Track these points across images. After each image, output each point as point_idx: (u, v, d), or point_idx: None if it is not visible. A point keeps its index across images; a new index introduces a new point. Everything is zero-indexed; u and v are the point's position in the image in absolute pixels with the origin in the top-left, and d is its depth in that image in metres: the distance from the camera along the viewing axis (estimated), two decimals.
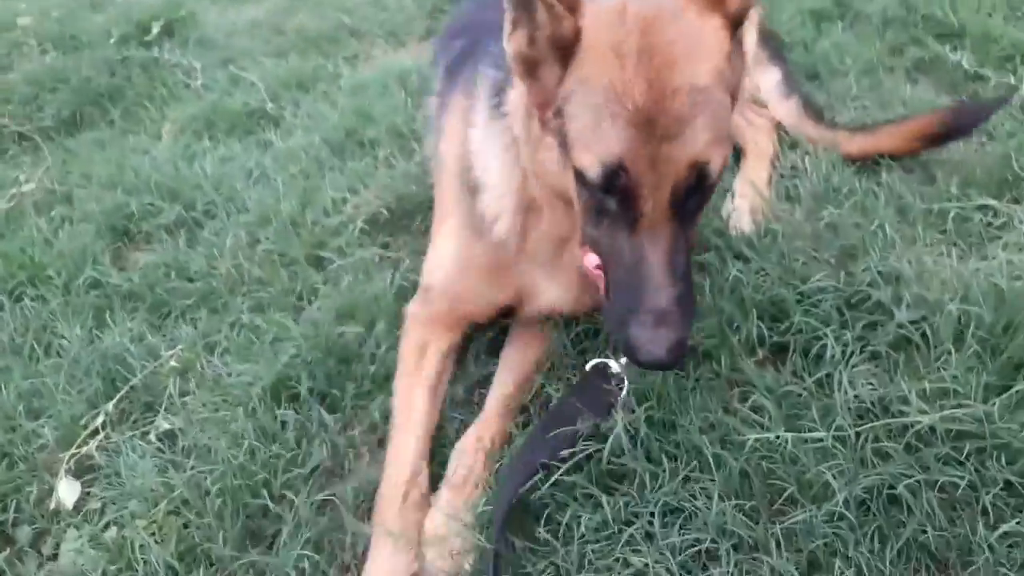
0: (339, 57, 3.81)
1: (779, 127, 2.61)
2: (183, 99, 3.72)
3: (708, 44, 1.40)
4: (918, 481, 1.57)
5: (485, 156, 1.82)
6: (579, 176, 1.43)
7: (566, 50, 1.43)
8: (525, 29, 1.47)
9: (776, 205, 2.34)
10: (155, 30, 4.18)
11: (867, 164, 2.41)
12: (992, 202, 2.17)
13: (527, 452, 1.72)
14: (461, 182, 1.89)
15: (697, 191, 1.41)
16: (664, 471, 1.71)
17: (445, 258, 2.00)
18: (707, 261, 2.15)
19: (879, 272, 1.95)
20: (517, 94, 1.65)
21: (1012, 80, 2.60)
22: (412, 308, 2.08)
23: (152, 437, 2.07)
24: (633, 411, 1.75)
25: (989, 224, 2.14)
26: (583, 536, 1.63)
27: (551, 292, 1.95)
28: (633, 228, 1.41)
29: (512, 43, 1.51)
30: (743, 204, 2.33)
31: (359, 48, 3.92)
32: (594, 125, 1.38)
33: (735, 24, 1.45)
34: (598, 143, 1.37)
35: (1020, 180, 2.22)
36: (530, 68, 1.51)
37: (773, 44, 2.76)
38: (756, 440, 1.67)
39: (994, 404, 1.63)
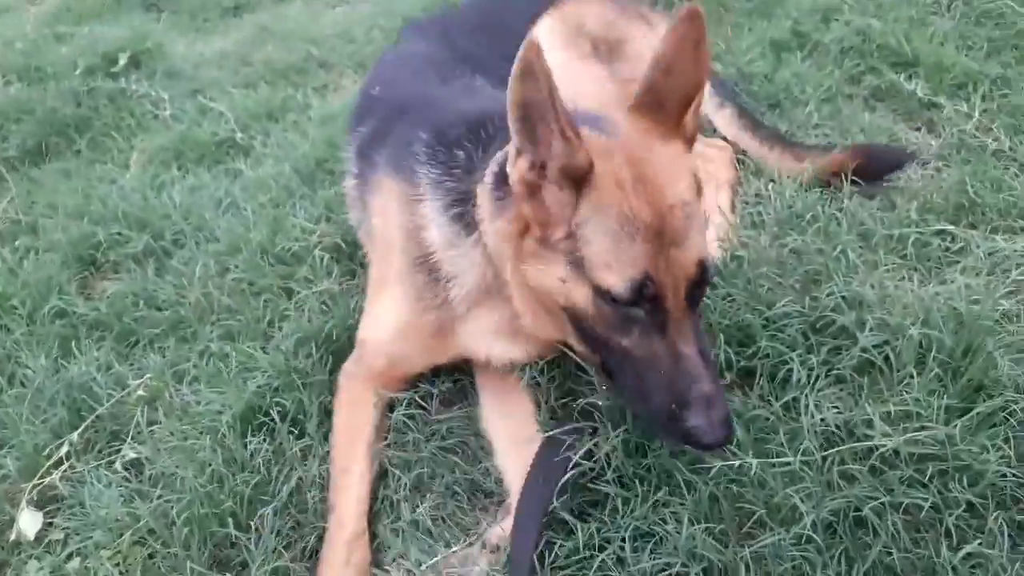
0: (308, 88, 3.81)
1: (740, 154, 2.67)
2: (151, 129, 3.70)
3: (680, 165, 1.63)
4: (883, 503, 1.60)
5: (450, 252, 1.90)
6: (601, 294, 1.55)
7: (579, 179, 1.55)
8: (530, 156, 1.57)
9: (741, 232, 2.38)
10: (122, 61, 4.15)
11: (829, 190, 2.46)
12: (950, 227, 2.23)
13: (530, 502, 1.74)
14: (409, 260, 1.96)
15: (703, 283, 1.59)
16: (636, 495, 1.73)
17: (385, 321, 2.04)
18: None
19: (843, 297, 1.99)
20: (504, 215, 1.72)
21: (964, 108, 2.67)
22: (347, 367, 2.11)
23: (118, 466, 2.05)
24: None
25: (947, 249, 2.19)
26: (555, 562, 1.64)
27: (501, 349, 2.00)
28: (663, 330, 1.55)
29: (516, 170, 1.60)
30: (709, 232, 2.36)
31: (328, 79, 3.93)
32: (614, 247, 1.53)
33: (690, 144, 1.69)
34: (622, 262, 1.52)
35: (975, 206, 2.28)
36: (532, 191, 1.60)
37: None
38: (725, 464, 1.69)
39: (955, 426, 1.66)
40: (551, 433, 1.87)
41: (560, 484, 1.73)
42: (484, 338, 1.99)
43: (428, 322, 1.97)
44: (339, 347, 2.21)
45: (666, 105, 1.63)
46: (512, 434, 1.99)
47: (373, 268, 2.19)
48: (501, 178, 1.72)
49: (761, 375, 1.91)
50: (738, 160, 2.67)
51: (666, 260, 1.52)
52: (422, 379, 2.16)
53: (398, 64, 2.66)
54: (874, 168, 2.45)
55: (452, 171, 1.91)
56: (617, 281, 1.52)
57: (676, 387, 1.53)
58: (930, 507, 1.59)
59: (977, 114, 2.63)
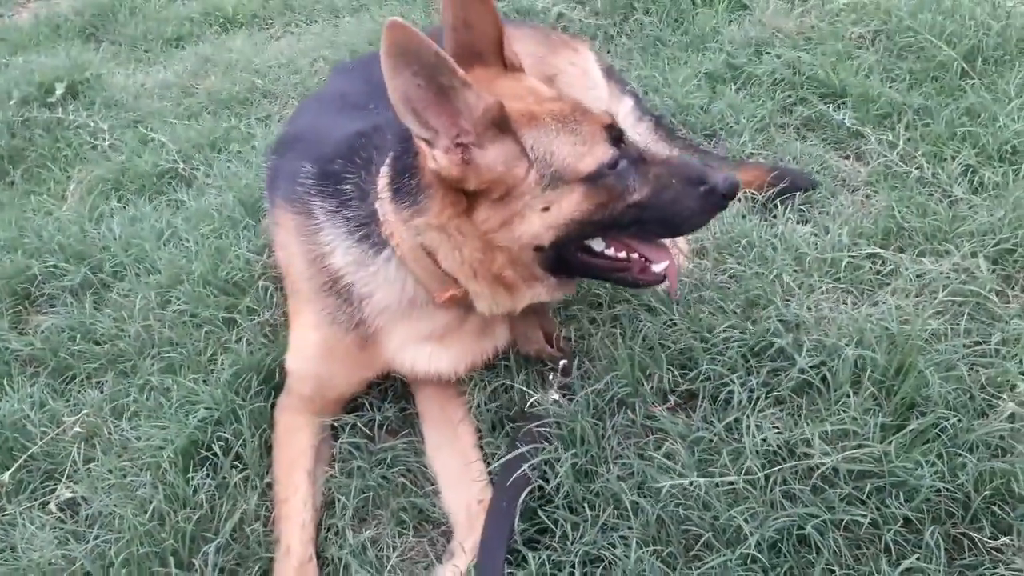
0: (252, 118, 3.78)
1: None
2: (89, 160, 3.62)
3: (528, 81, 1.91)
4: (824, 521, 1.64)
5: (361, 273, 1.94)
6: (593, 178, 1.71)
7: (500, 122, 1.65)
8: (443, 139, 1.64)
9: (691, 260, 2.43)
10: (59, 91, 4.07)
11: (765, 216, 2.54)
12: (880, 251, 2.31)
13: (495, 525, 1.77)
14: (317, 287, 1.99)
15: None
16: (585, 520, 1.74)
17: (306, 347, 2.07)
18: (619, 314, 2.22)
19: (781, 320, 2.05)
20: (428, 212, 1.77)
21: (889, 136, 2.79)
22: (280, 399, 2.14)
23: (52, 507, 2.00)
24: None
25: (878, 272, 2.27)
26: None
27: (426, 359, 2.03)
28: (646, 160, 1.81)
29: (438, 161, 1.65)
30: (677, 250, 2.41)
31: (272, 109, 3.90)
32: (573, 138, 1.72)
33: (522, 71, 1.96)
34: (587, 142, 1.73)
35: (903, 230, 2.37)
36: (465, 168, 1.67)
37: (618, 77, 3.06)
38: (671, 486, 1.72)
39: (891, 443, 1.72)
40: (506, 458, 1.89)
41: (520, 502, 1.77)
42: (408, 349, 2.02)
43: (348, 341, 2.00)
44: (281, 378, 2.19)
45: (483, 53, 1.85)
46: (455, 470, 2.00)
47: (289, 300, 2.22)
48: (399, 186, 1.81)
49: (703, 398, 1.95)
50: None
51: (598, 117, 1.77)
52: (365, 406, 2.17)
53: (311, 100, 2.78)
54: (785, 188, 2.58)
55: (347, 202, 1.95)
56: (599, 153, 1.72)
57: (691, 179, 1.80)
58: (869, 523, 1.64)
59: (901, 143, 2.73)
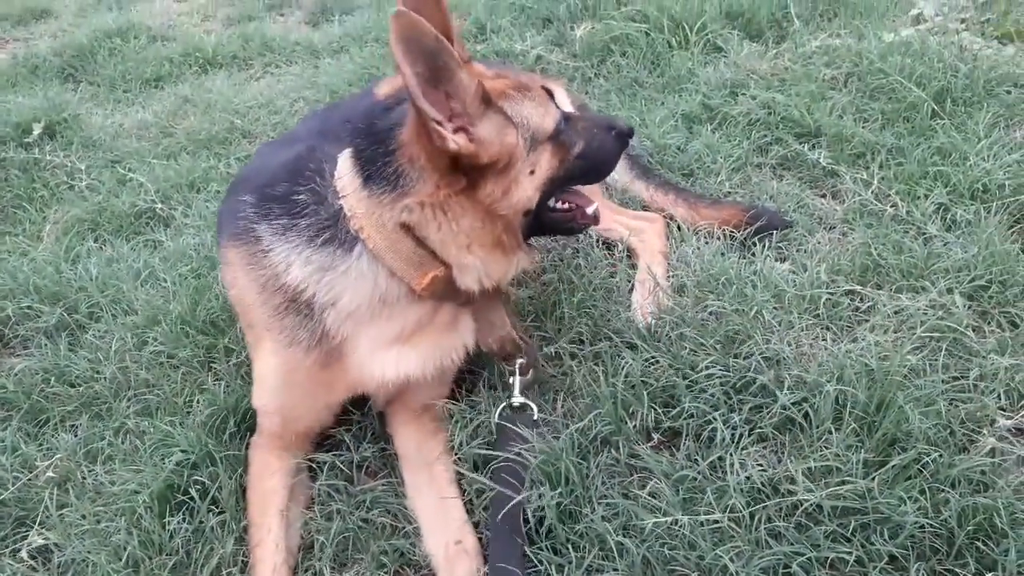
0: (231, 158, 3.78)
1: (669, 225, 2.77)
2: (66, 200, 3.60)
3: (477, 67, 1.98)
4: (810, 559, 1.63)
5: (327, 277, 1.93)
6: (556, 134, 1.92)
7: (486, 98, 1.77)
8: (452, 118, 1.73)
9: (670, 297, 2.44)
10: (36, 131, 4.06)
11: (744, 254, 2.56)
12: (858, 288, 2.33)
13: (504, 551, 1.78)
14: (271, 311, 1.98)
15: None
16: (570, 562, 1.72)
17: (268, 379, 2.05)
18: (601, 351, 2.22)
19: (762, 357, 2.06)
20: (417, 193, 1.82)
21: (864, 175, 2.84)
22: (252, 440, 2.11)
23: (24, 555, 1.95)
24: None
25: (857, 308, 2.29)
26: None
27: (395, 361, 2.02)
28: (569, 116, 2.02)
29: (451, 138, 1.72)
30: (643, 298, 2.43)
31: (251, 149, 3.90)
32: (536, 104, 1.91)
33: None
34: (543, 105, 1.93)
35: (880, 267, 2.40)
36: (470, 143, 1.76)
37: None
38: (656, 525, 1.71)
39: (874, 479, 1.72)
40: (497, 490, 1.89)
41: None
42: (376, 356, 2.00)
43: (310, 362, 1.98)
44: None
45: None
46: (432, 511, 1.98)
47: (247, 337, 2.20)
48: (370, 175, 1.85)
49: (687, 435, 1.94)
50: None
51: (536, 84, 2.00)
52: (343, 445, 2.15)
53: (264, 146, 2.85)
54: (761, 227, 2.62)
55: (301, 213, 1.95)
56: (553, 112, 1.94)
57: (605, 127, 2.11)
58: (855, 561, 1.63)
59: (876, 182, 2.78)
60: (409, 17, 1.56)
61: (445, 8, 1.91)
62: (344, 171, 1.92)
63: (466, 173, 1.80)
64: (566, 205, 2.10)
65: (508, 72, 2.04)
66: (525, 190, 1.88)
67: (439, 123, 1.70)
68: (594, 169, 2.12)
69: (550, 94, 2.00)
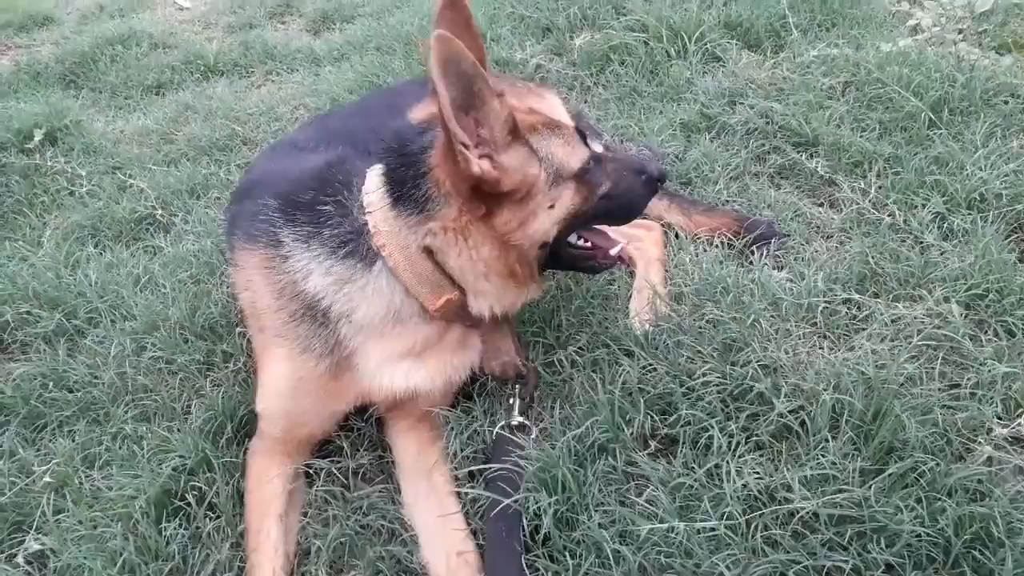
0: (232, 164, 3.79)
1: (667, 233, 2.78)
2: (67, 206, 3.60)
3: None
4: (806, 567, 1.63)
5: (345, 289, 1.97)
6: (581, 173, 1.95)
7: (514, 130, 1.82)
8: (480, 143, 1.79)
9: (668, 304, 2.45)
10: (37, 137, 4.05)
11: (742, 262, 2.57)
12: (855, 296, 2.34)
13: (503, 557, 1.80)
14: (287, 317, 2.01)
15: None
16: (567, 569, 1.72)
17: (275, 384, 2.06)
18: (599, 358, 2.22)
19: (759, 364, 2.06)
20: (440, 217, 1.89)
21: (861, 184, 2.84)
22: (251, 444, 2.12)
23: (19, 560, 1.95)
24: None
25: (854, 316, 2.30)
26: None
27: (404, 374, 2.05)
28: (603, 160, 2.05)
29: (476, 163, 1.77)
30: (640, 306, 2.44)
31: (251, 155, 3.90)
32: (563, 141, 1.95)
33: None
34: (571, 143, 1.97)
35: (877, 275, 2.41)
36: (494, 170, 1.81)
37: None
38: (653, 532, 1.71)
39: (870, 488, 1.72)
40: (496, 499, 1.89)
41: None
42: (385, 368, 2.03)
43: (320, 370, 2.00)
44: (254, 425, 2.15)
45: None
46: (432, 521, 1.98)
47: (254, 342, 2.21)
48: (400, 196, 1.91)
49: (683, 443, 1.95)
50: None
51: (568, 124, 2.04)
52: (340, 452, 2.15)
53: (266, 151, 2.91)
54: (755, 238, 2.64)
55: (325, 223, 1.99)
56: (581, 152, 1.97)
57: (635, 169, 2.10)
58: (851, 570, 1.63)
59: (873, 190, 2.79)
60: (452, 42, 1.60)
61: (477, 36, 1.97)
62: (373, 187, 1.97)
63: (485, 200, 1.85)
64: (588, 243, 2.14)
65: (537, 110, 2.05)
66: (542, 223, 1.92)
67: (466, 146, 1.75)
68: (619, 210, 2.12)
69: (583, 136, 2.03)
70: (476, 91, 1.71)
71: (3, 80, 5.24)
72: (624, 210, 2.14)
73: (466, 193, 1.84)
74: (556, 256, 2.04)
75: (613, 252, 2.15)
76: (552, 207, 1.92)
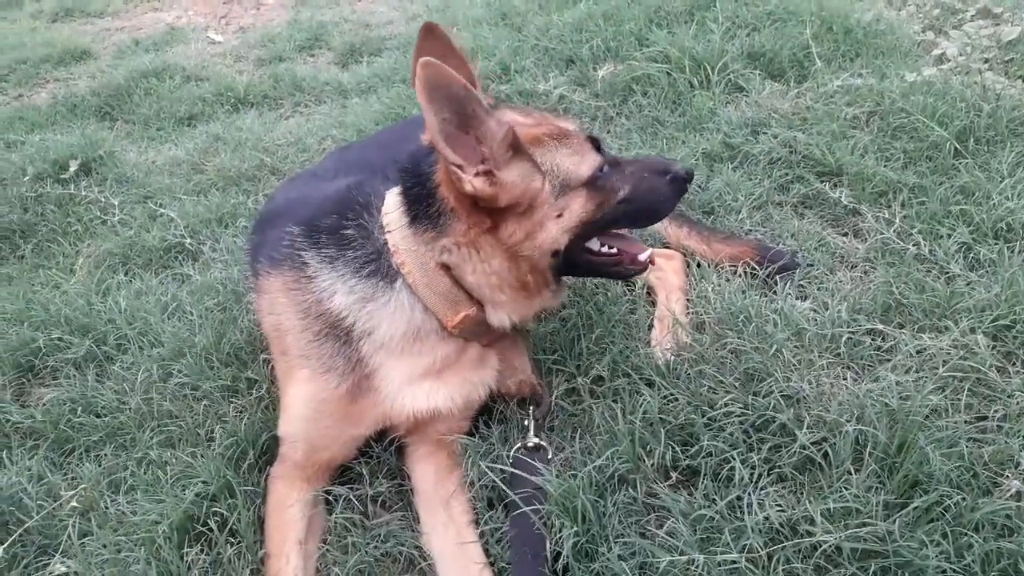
0: (259, 195, 3.86)
1: (688, 263, 2.78)
2: (99, 235, 3.69)
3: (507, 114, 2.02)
4: None
5: (368, 307, 2.01)
6: (592, 180, 1.96)
7: (515, 145, 1.85)
8: (473, 162, 1.82)
9: (689, 333, 2.44)
10: (72, 168, 4.17)
11: (764, 292, 2.56)
12: (880, 326, 2.32)
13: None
14: (311, 337, 2.05)
15: None
16: None
17: (298, 407, 2.08)
18: (619, 387, 2.22)
19: (782, 395, 2.04)
20: (451, 232, 1.93)
21: (886, 214, 2.83)
22: (272, 470, 2.13)
23: None
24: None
25: (878, 347, 2.27)
26: None
27: (425, 395, 2.08)
28: (621, 163, 2.07)
29: (471, 183, 1.82)
30: (662, 335, 2.44)
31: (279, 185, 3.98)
32: (570, 150, 1.97)
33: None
34: (581, 152, 1.98)
35: (902, 306, 2.38)
36: (492, 189, 1.84)
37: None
38: (672, 564, 1.69)
39: (895, 522, 1.69)
40: (515, 513, 1.92)
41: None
42: (405, 389, 2.06)
43: (342, 390, 2.03)
44: (276, 452, 2.17)
45: None
46: (451, 552, 1.98)
47: (277, 367, 2.24)
48: (416, 214, 1.96)
49: (705, 474, 1.93)
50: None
51: (578, 132, 2.03)
52: (360, 479, 2.16)
53: (286, 183, 3.02)
54: (778, 268, 2.62)
55: (349, 245, 2.04)
56: (591, 160, 1.98)
57: (658, 170, 2.08)
58: None
59: (898, 220, 2.77)
60: (437, 67, 1.65)
61: (464, 58, 2.02)
62: (391, 207, 2.03)
63: (489, 214, 1.89)
64: (613, 249, 2.13)
65: (547, 118, 2.08)
66: (550, 232, 1.93)
67: (458, 166, 1.79)
68: (642, 213, 2.11)
69: (596, 144, 2.04)
70: (470, 111, 1.76)
71: (41, 113, 5.40)
72: (649, 212, 2.14)
73: (468, 209, 1.89)
74: (574, 263, 2.05)
75: (642, 257, 2.13)
76: (560, 216, 1.93)
